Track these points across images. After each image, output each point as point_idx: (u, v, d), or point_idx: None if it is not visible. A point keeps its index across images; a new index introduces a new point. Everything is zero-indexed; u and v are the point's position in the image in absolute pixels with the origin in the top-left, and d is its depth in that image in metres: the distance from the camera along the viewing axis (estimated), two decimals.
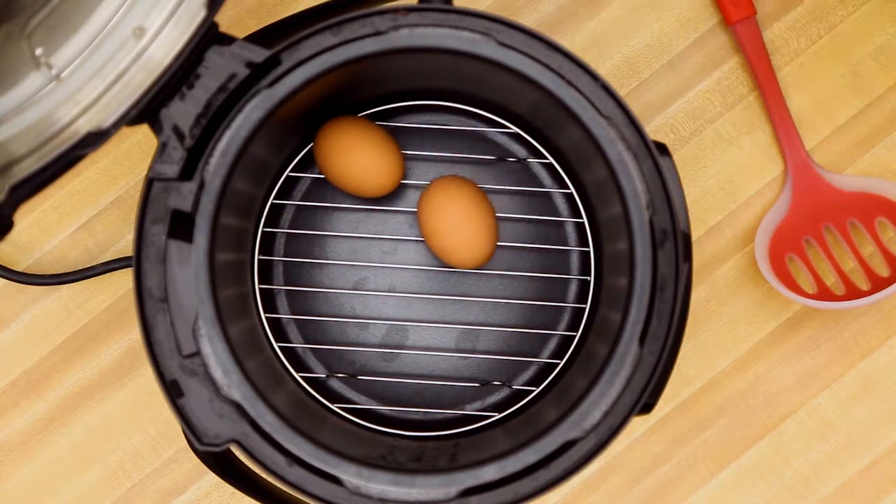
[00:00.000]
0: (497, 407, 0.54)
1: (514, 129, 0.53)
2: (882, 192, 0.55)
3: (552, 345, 0.54)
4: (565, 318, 0.54)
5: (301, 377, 0.53)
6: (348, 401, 0.54)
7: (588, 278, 0.53)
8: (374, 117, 0.54)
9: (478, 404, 0.54)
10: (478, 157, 0.54)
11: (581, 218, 0.53)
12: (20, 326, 0.56)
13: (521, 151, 0.54)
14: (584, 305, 0.53)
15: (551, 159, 0.53)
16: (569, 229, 0.54)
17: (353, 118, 0.52)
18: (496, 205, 0.54)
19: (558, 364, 0.53)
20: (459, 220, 0.51)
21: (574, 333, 0.53)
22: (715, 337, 0.56)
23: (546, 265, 0.54)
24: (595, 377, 0.43)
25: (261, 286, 0.53)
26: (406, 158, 0.54)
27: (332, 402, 0.53)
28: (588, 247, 0.53)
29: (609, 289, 0.50)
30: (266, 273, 0.54)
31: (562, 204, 0.54)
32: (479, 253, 0.51)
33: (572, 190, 0.53)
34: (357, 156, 0.51)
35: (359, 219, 0.54)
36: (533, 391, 0.53)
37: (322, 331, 0.54)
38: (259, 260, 0.53)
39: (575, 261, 0.54)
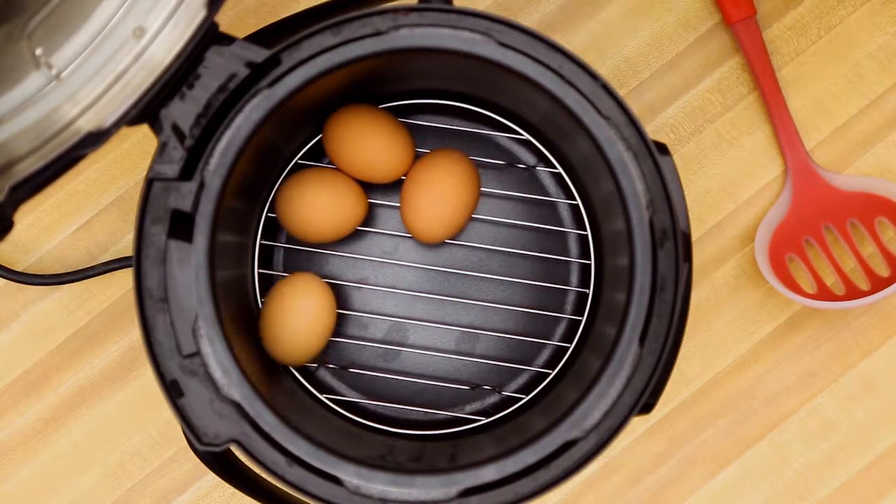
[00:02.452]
0: (487, 412, 0.54)
1: (526, 136, 0.53)
2: (882, 192, 0.55)
3: (545, 354, 0.54)
4: (561, 329, 0.54)
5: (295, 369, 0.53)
6: (347, 397, 0.54)
7: (587, 291, 0.53)
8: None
9: (476, 405, 0.54)
10: (487, 161, 0.54)
11: (585, 230, 0.53)
12: (20, 326, 0.56)
13: (531, 159, 0.54)
14: (580, 317, 0.53)
15: (560, 169, 0.53)
16: (571, 240, 0.54)
17: (363, 106, 0.52)
18: (502, 210, 0.54)
19: (550, 374, 0.53)
20: (429, 197, 0.51)
21: (568, 345, 0.53)
22: (715, 337, 0.56)
23: (546, 274, 0.54)
24: (586, 389, 0.43)
25: (261, 271, 0.53)
26: (419, 156, 0.54)
27: (327, 396, 0.53)
28: (589, 259, 0.53)
29: (607, 303, 0.50)
30: (267, 260, 0.54)
31: (566, 215, 0.54)
32: (433, 233, 0.52)
33: (578, 201, 0.53)
34: (368, 140, 0.51)
35: (378, 214, 0.54)
36: (522, 399, 0.53)
37: None
38: (261, 245, 0.53)
39: (575, 272, 0.54)
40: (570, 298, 0.54)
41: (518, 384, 0.54)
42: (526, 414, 0.52)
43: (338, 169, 0.52)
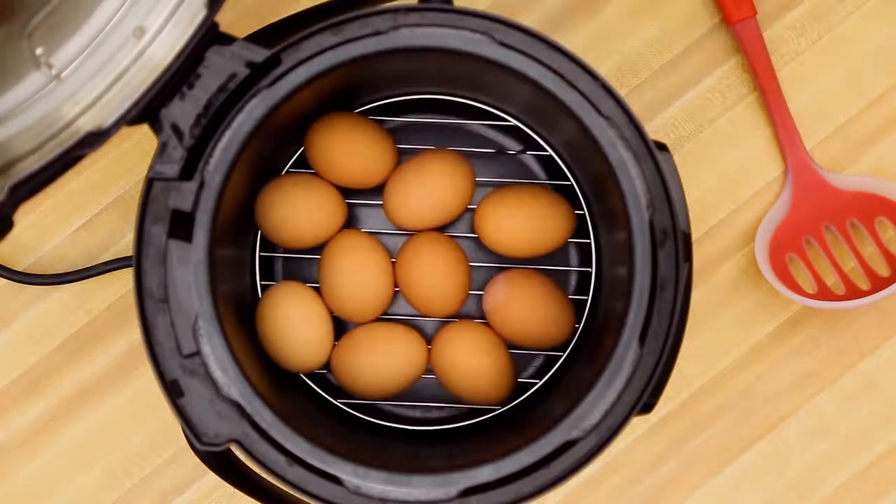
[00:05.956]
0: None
1: (513, 121, 0.53)
2: (882, 192, 0.55)
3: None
4: None
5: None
6: (354, 399, 0.54)
7: (589, 270, 0.53)
8: (373, 114, 0.54)
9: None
10: (477, 151, 0.54)
11: (582, 210, 0.53)
12: (20, 326, 0.56)
13: (518, 146, 0.54)
14: (585, 297, 0.53)
15: (551, 151, 0.53)
16: None
17: (342, 113, 0.52)
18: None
19: (561, 356, 0.53)
20: (433, 278, 0.51)
21: (577, 325, 0.53)
22: (715, 337, 0.56)
23: (546, 257, 0.54)
24: (599, 371, 0.43)
25: (262, 282, 0.53)
26: (404, 153, 0.54)
27: (332, 396, 0.53)
28: (588, 238, 0.53)
29: (610, 279, 0.50)
30: (267, 267, 0.54)
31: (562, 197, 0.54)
32: (449, 307, 0.52)
33: (572, 182, 0.53)
34: (349, 148, 0.51)
35: (359, 215, 0.54)
36: (536, 384, 0.53)
37: None
38: (261, 257, 0.53)
39: (574, 252, 0.54)
40: (573, 279, 0.54)
41: (529, 372, 0.54)
42: (539, 399, 0.52)
43: (317, 175, 0.52)
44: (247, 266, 0.53)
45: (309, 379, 0.53)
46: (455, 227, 0.54)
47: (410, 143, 0.54)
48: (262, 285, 0.53)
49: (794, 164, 0.56)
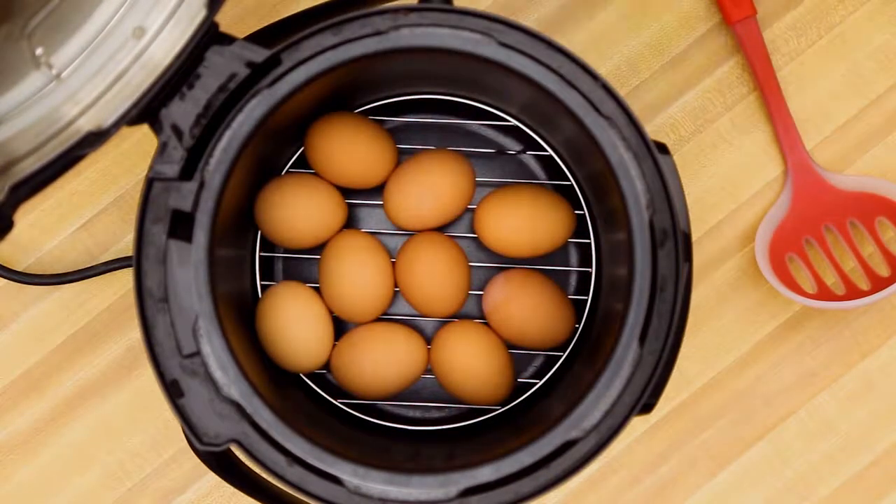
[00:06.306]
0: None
1: (513, 121, 0.53)
2: (882, 192, 0.55)
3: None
4: None
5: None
6: (354, 399, 0.54)
7: (589, 270, 0.53)
8: (373, 114, 0.54)
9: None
10: (477, 151, 0.54)
11: (582, 210, 0.53)
12: (20, 326, 0.56)
13: (518, 146, 0.54)
14: (585, 297, 0.53)
15: (551, 151, 0.53)
16: None
17: (342, 113, 0.52)
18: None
19: (561, 356, 0.53)
20: (431, 278, 0.51)
21: (577, 325, 0.53)
22: (715, 337, 0.56)
23: (546, 257, 0.54)
24: (599, 371, 0.43)
25: (262, 283, 0.53)
26: (404, 153, 0.54)
27: (332, 396, 0.53)
28: (588, 239, 0.53)
29: (610, 279, 0.50)
30: (267, 268, 0.54)
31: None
32: (449, 307, 0.52)
33: (572, 182, 0.53)
34: (349, 147, 0.51)
35: (359, 215, 0.54)
36: (536, 384, 0.53)
37: None
38: (261, 257, 0.53)
39: (574, 252, 0.54)
40: (573, 279, 0.54)
41: (529, 371, 0.54)
42: (540, 399, 0.52)
43: (317, 175, 0.52)
44: (247, 266, 0.53)
45: (309, 379, 0.53)
46: (455, 227, 0.54)
47: (410, 143, 0.54)
48: (262, 285, 0.53)
49: (794, 164, 0.56)
